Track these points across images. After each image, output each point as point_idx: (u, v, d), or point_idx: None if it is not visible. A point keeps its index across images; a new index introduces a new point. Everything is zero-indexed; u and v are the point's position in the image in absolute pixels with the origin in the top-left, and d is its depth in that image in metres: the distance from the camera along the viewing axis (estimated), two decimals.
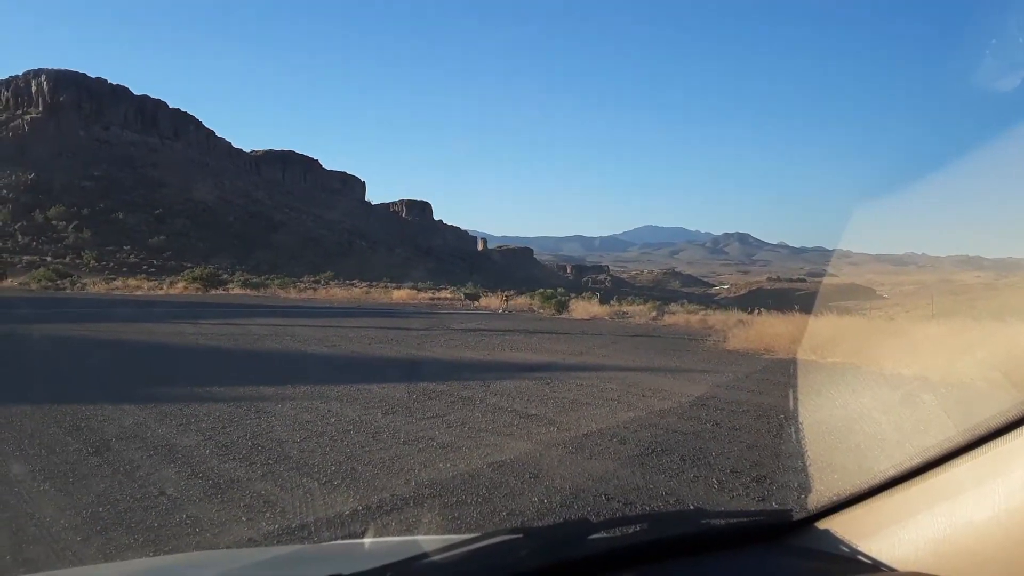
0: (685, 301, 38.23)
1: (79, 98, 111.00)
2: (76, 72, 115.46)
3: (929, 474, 1.12)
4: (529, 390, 7.70)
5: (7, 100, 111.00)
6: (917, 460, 1.13)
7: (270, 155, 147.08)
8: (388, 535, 3.28)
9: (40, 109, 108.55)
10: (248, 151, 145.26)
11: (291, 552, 1.96)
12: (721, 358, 12.07)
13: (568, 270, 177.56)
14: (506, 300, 29.96)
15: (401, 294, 36.86)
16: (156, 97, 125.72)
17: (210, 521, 3.40)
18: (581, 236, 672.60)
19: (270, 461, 4.51)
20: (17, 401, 6.22)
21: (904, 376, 8.15)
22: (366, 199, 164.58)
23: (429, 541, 1.22)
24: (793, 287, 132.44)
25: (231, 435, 5.17)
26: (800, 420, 6.04)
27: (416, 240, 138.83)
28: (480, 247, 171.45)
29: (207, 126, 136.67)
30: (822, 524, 1.26)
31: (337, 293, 37.79)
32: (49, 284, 37.04)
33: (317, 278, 51.53)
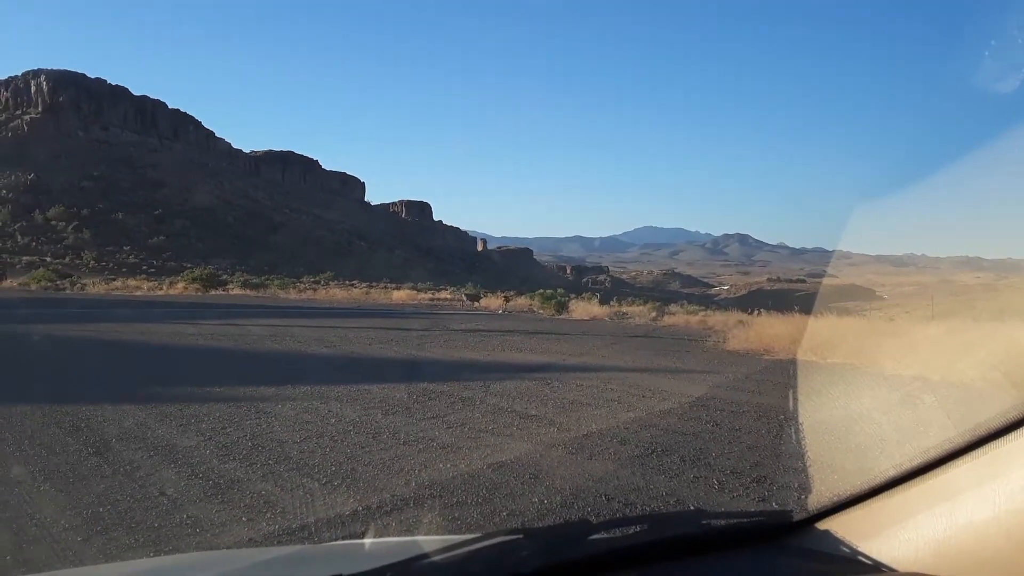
0: (685, 302, 38.24)
1: (78, 98, 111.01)
2: (75, 72, 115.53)
3: (929, 475, 1.12)
4: (529, 391, 7.70)
5: (6, 100, 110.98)
6: (917, 461, 1.13)
7: (270, 155, 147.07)
8: (388, 535, 3.28)
9: (39, 109, 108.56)
10: (248, 151, 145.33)
11: (291, 552, 1.97)
12: (721, 359, 12.07)
13: (568, 271, 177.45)
14: (507, 300, 29.96)
15: (401, 295, 36.86)
16: (155, 97, 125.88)
17: (210, 521, 3.39)
18: (581, 237, 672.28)
19: (270, 461, 4.51)
20: (17, 401, 6.22)
21: (904, 377, 8.16)
22: (366, 199, 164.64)
23: (429, 541, 1.22)
24: (793, 288, 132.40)
25: (231, 435, 5.17)
26: (800, 421, 6.04)
27: (416, 241, 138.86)
28: (480, 248, 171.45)
29: (206, 126, 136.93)
30: (822, 525, 1.26)
31: (337, 294, 37.79)
32: (49, 284, 37.04)
33: (317, 279, 51.51)
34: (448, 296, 37.52)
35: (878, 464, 1.22)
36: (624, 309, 26.70)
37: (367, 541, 1.75)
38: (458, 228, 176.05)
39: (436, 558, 1.05)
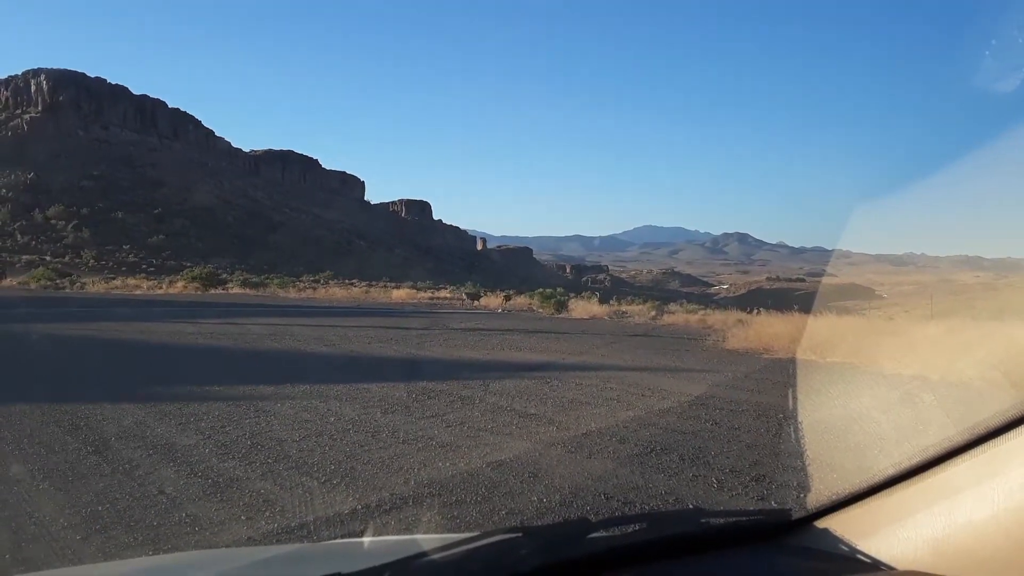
0: (684, 301, 38.22)
1: (78, 98, 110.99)
2: (75, 72, 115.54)
3: (928, 473, 1.12)
4: (528, 389, 7.70)
5: (6, 100, 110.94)
6: (916, 459, 1.13)
7: (269, 155, 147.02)
8: (387, 534, 3.28)
9: (39, 109, 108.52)
10: (247, 151, 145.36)
11: (290, 551, 1.96)
12: (720, 358, 12.07)
13: (567, 270, 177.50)
14: (507, 300, 29.95)
15: (400, 294, 36.85)
16: (155, 97, 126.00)
17: (209, 520, 3.39)
18: (580, 236, 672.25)
19: (269, 460, 4.51)
20: (16, 400, 6.22)
21: (903, 376, 8.15)
22: (365, 199, 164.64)
23: (428, 540, 1.22)
24: (792, 287, 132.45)
25: (230, 434, 5.17)
26: (799, 419, 6.04)
27: (415, 240, 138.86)
28: (479, 247, 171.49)
29: (206, 125, 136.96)
30: (821, 523, 1.26)
31: (336, 293, 37.77)
32: (48, 283, 37.06)
33: (316, 278, 51.54)
34: (448, 295, 37.51)
35: (877, 463, 1.22)
36: (623, 308, 26.70)
37: (366, 540, 1.74)
38: (458, 227, 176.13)
39: (435, 557, 1.04)
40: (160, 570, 1.57)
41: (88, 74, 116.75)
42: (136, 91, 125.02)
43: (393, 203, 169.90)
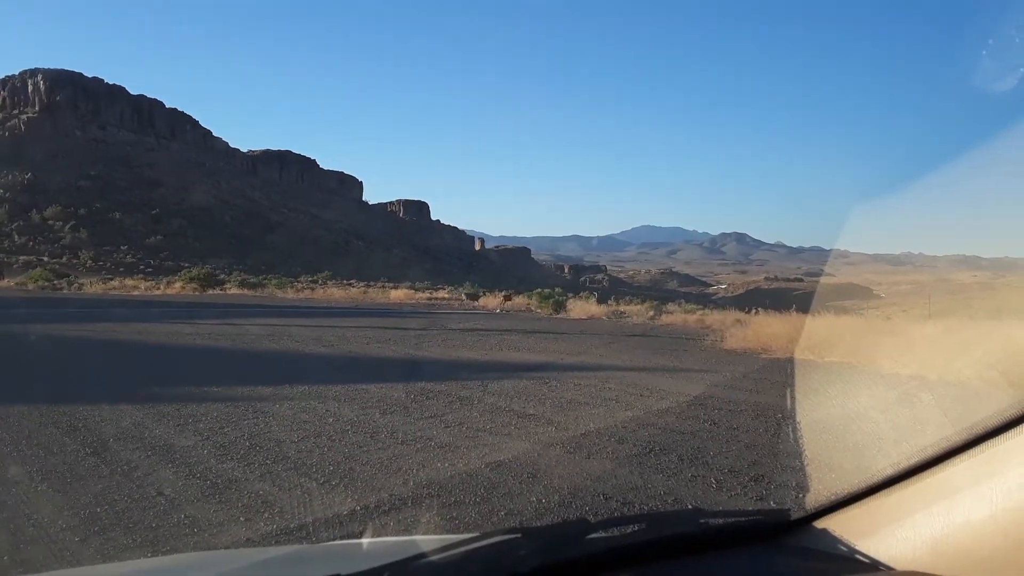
0: (683, 301, 38.20)
1: (75, 98, 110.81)
2: (72, 72, 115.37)
3: (927, 473, 1.12)
4: (527, 390, 7.70)
5: (3, 100, 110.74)
6: (914, 459, 1.13)
7: (267, 155, 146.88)
8: (386, 535, 3.28)
9: (36, 109, 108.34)
10: (245, 151, 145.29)
11: (289, 552, 1.96)
12: (719, 358, 12.08)
13: (566, 270, 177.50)
14: (506, 299, 29.93)
15: (399, 294, 36.79)
16: (153, 97, 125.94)
17: (208, 521, 3.39)
18: (579, 236, 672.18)
19: (268, 461, 4.50)
20: (14, 401, 6.20)
21: (901, 375, 8.17)
22: (363, 199, 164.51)
23: (427, 541, 1.22)
24: (790, 287, 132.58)
25: (229, 435, 5.16)
26: (798, 419, 6.04)
27: (413, 240, 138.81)
28: (478, 247, 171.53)
29: (204, 126, 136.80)
30: (820, 523, 1.26)
31: (334, 293, 37.71)
32: (46, 284, 36.93)
33: (314, 278, 51.47)
34: (446, 295, 37.46)
35: (875, 463, 1.22)
36: (622, 308, 26.69)
37: (365, 541, 1.74)
38: (456, 227, 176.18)
39: (434, 558, 1.04)
40: (159, 572, 1.57)
41: (85, 74, 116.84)
42: (133, 91, 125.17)
43: (391, 203, 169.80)
